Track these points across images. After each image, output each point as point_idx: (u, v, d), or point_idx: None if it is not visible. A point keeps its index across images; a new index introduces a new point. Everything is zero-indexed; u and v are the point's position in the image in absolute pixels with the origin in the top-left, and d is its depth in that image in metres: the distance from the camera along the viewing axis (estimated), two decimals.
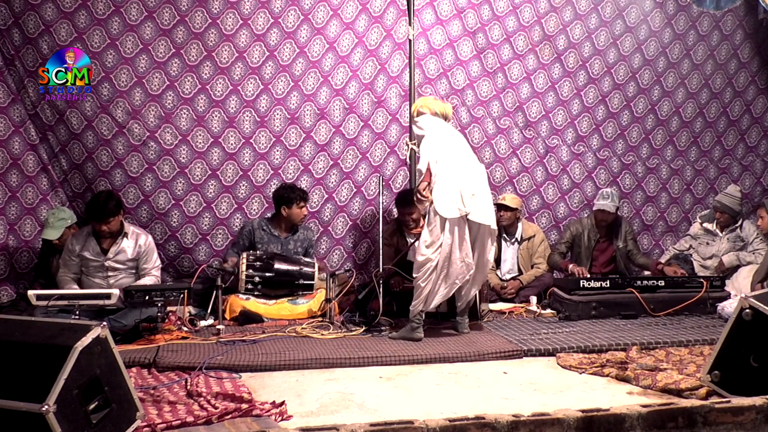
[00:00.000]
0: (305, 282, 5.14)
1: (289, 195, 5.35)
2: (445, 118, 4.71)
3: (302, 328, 4.64)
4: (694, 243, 6.00)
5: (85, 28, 5.28)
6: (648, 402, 2.71)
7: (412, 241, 5.55)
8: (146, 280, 4.80)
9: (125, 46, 5.36)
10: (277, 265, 5.11)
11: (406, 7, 5.87)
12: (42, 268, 5.15)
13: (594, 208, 5.94)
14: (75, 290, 4.50)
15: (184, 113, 5.54)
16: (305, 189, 5.60)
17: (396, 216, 5.71)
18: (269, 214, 5.57)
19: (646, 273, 5.83)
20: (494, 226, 4.53)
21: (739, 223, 5.81)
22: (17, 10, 5.15)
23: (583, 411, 2.27)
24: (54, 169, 5.47)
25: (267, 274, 5.05)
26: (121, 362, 2.66)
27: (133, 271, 4.83)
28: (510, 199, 5.83)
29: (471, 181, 4.42)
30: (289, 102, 5.72)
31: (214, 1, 5.47)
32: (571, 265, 5.71)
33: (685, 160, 6.68)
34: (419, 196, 4.43)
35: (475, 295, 4.70)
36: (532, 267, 5.90)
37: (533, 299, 5.53)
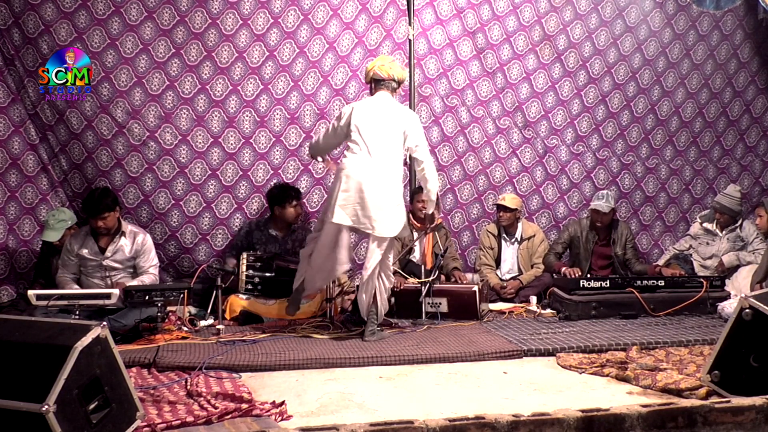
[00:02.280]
0: None
1: (280, 194, 5.35)
2: (400, 84, 4.56)
3: (302, 328, 4.64)
4: (694, 243, 6.00)
5: (85, 28, 5.28)
6: (648, 402, 2.71)
7: (417, 237, 5.57)
8: (144, 278, 4.79)
9: (125, 46, 5.36)
10: (277, 266, 5.10)
11: (406, 7, 5.87)
12: (42, 268, 5.15)
13: (589, 209, 5.95)
14: (75, 290, 4.49)
15: (184, 113, 5.54)
16: (300, 188, 5.60)
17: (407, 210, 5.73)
18: (268, 215, 5.57)
19: None
20: (386, 234, 4.35)
21: (739, 223, 5.81)
22: (17, 10, 5.15)
23: (583, 411, 2.26)
24: (54, 169, 5.47)
25: (267, 275, 5.05)
26: (121, 362, 2.66)
27: (132, 270, 4.82)
28: (509, 199, 5.83)
29: (376, 195, 4.28)
30: (289, 102, 5.72)
31: (214, 1, 5.47)
32: (564, 268, 5.71)
33: (684, 160, 6.68)
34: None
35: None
36: (532, 267, 5.90)
37: (533, 299, 5.53)
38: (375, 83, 4.51)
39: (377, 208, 4.29)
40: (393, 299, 5.16)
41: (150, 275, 4.83)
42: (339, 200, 4.28)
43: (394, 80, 4.47)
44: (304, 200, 5.75)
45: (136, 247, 4.78)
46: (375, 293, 4.43)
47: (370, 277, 4.39)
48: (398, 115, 4.46)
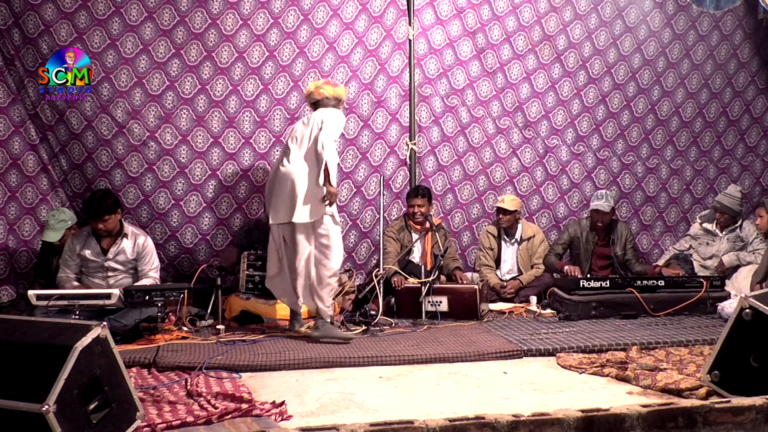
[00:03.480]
0: None
1: None
2: (339, 100, 4.70)
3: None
4: (694, 243, 6.00)
5: (85, 29, 5.28)
6: (648, 402, 2.71)
7: (416, 237, 5.57)
8: (145, 282, 4.76)
9: (125, 47, 5.36)
10: None
11: (406, 7, 5.88)
12: (42, 268, 5.14)
13: (589, 209, 5.95)
14: (75, 290, 4.48)
15: (184, 113, 5.54)
16: None
17: (404, 212, 5.81)
18: None
19: None
20: (300, 219, 4.41)
21: (739, 223, 5.81)
22: (17, 10, 5.15)
23: (583, 411, 2.26)
24: (54, 169, 5.46)
25: None
26: (121, 362, 2.66)
27: (133, 271, 4.80)
28: (509, 201, 5.82)
29: (287, 189, 4.43)
30: (289, 102, 5.72)
31: (214, 1, 5.47)
32: (566, 267, 5.71)
33: (684, 160, 6.68)
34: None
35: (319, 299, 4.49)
36: (531, 267, 5.90)
37: (533, 299, 5.53)
38: (314, 105, 4.69)
39: (287, 199, 4.42)
40: (393, 299, 5.17)
41: (150, 278, 4.79)
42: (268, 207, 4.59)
43: (327, 98, 4.64)
44: None
45: (137, 249, 4.77)
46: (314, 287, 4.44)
47: (306, 277, 4.44)
48: (318, 116, 4.56)
